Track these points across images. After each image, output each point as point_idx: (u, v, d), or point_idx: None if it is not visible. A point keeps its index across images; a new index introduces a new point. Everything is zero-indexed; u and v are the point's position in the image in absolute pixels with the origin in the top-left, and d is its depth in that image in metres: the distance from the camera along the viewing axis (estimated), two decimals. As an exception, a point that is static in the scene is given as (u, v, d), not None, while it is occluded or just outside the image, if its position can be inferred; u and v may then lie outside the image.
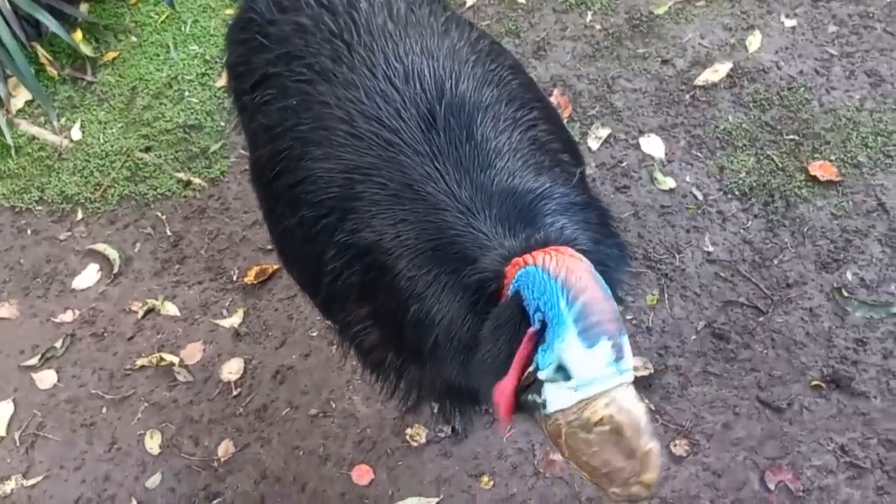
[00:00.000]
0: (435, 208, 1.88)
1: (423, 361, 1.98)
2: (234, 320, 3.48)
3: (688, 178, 3.53)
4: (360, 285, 2.02)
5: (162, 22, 4.38)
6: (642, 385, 3.10)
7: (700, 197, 3.48)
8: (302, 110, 2.10)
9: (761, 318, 3.17)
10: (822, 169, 3.44)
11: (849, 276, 3.21)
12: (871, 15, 3.82)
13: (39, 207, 3.92)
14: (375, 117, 1.99)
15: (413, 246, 1.87)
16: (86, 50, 4.29)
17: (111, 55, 4.30)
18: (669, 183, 3.52)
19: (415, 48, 2.09)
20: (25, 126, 4.15)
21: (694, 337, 3.18)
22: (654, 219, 3.45)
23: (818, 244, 3.29)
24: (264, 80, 2.27)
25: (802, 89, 3.66)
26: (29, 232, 3.86)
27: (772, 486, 2.88)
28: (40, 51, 4.27)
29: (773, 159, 3.50)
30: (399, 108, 1.98)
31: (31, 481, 3.25)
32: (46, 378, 3.46)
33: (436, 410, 2.24)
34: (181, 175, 3.87)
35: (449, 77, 2.03)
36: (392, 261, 1.90)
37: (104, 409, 3.37)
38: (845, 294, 3.16)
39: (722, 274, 3.29)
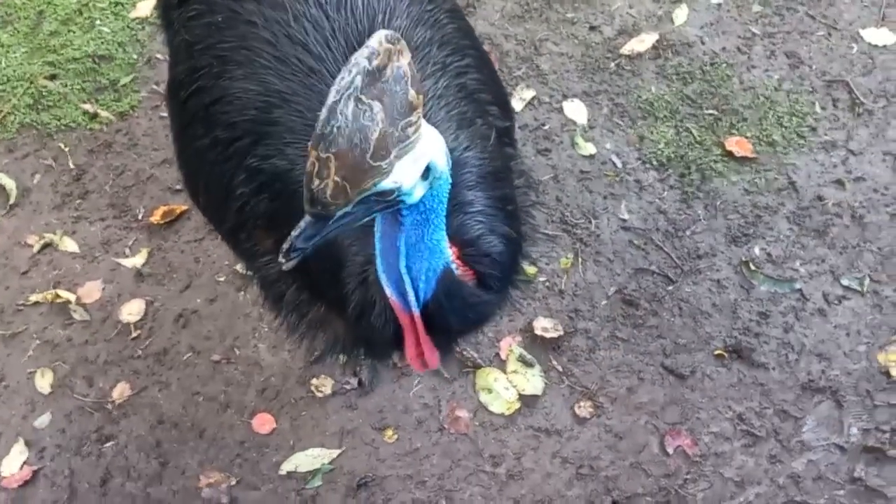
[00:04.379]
0: None
1: (322, 297, 1.95)
2: (137, 260, 3.34)
3: (608, 146, 3.54)
4: (268, 213, 1.96)
5: (75, -55, 4.15)
6: (551, 347, 3.11)
7: (619, 165, 3.49)
8: (226, 28, 2.01)
9: (670, 287, 3.21)
10: (738, 145, 3.49)
11: (756, 251, 3.27)
12: (794, -2, 3.88)
13: (-69, 130, 3.69)
14: (302, 42, 1.91)
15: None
16: (-10, -33, 4.04)
17: (17, -25, 4.06)
18: (590, 149, 3.53)
19: None
20: (-81, 43, 3.88)
21: (605, 302, 3.20)
22: (573, 183, 3.45)
23: (729, 218, 3.34)
24: None
25: (724, 66, 3.70)
26: (-82, 157, 3.63)
27: (670, 451, 2.93)
28: (-61, -36, 4.00)
29: (691, 132, 3.54)
30: (327, 37, 1.91)
31: None
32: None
33: (330, 351, 2.20)
34: (87, 107, 3.69)
35: (382, 11, 1.96)
36: (301, 191, 1.83)
37: (-8, 345, 3.21)
38: (752, 268, 3.23)
39: (635, 242, 3.31)
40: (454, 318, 1.83)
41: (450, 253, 1.77)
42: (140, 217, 3.44)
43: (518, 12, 3.92)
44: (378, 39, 1.37)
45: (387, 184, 1.47)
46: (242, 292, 3.26)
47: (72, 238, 3.40)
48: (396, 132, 1.42)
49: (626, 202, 3.40)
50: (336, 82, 1.37)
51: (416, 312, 1.79)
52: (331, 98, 1.36)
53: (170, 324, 3.22)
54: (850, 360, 3.06)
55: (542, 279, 3.24)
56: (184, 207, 3.43)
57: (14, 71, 3.79)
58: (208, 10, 2.08)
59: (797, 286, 3.20)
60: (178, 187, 3.48)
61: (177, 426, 3.03)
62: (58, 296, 3.27)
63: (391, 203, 1.54)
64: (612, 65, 3.74)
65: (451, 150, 1.75)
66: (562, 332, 3.14)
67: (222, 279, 3.29)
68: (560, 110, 3.63)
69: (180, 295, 3.27)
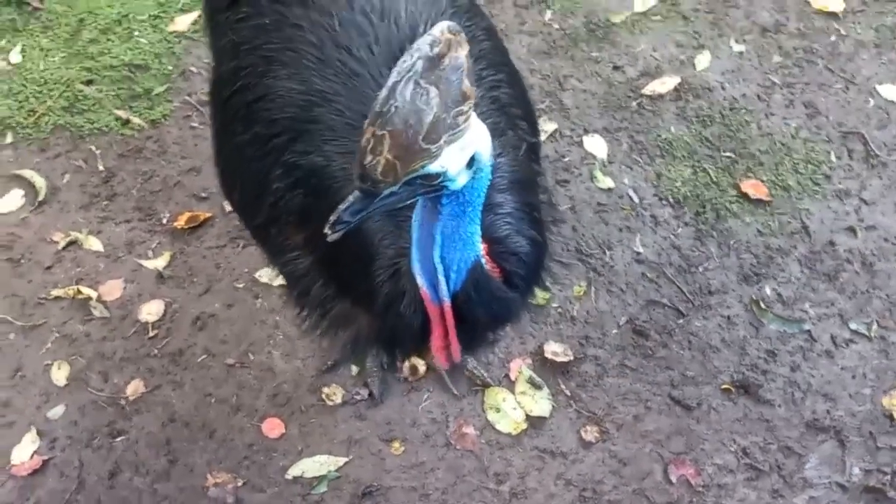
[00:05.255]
0: None
1: (349, 292, 2.01)
2: (159, 262, 3.41)
3: (626, 181, 3.61)
4: (302, 209, 2.03)
5: (119, -41, 4.29)
6: (560, 371, 3.16)
7: (636, 199, 3.56)
8: (274, 30, 2.10)
9: (681, 321, 3.26)
10: (753, 187, 3.57)
11: (767, 290, 3.33)
12: (814, 51, 3.98)
13: (-33, 126, 3.79)
14: (346, 46, 2.00)
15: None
16: (36, -25, 4.17)
17: (62, -16, 4.19)
18: (608, 182, 3.60)
19: None
20: (-38, 42, 4.00)
21: (615, 331, 3.25)
22: (590, 215, 3.52)
23: (742, 257, 3.40)
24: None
25: (743, 111, 3.79)
26: (-47, 150, 3.73)
27: (673, 479, 2.96)
28: (-13, -31, 4.14)
29: (708, 173, 3.62)
30: (370, 43, 2.00)
31: (-75, 400, 3.13)
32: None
33: (349, 351, 2.25)
34: (121, 113, 3.79)
35: (424, 22, 2.05)
36: (336, 187, 1.91)
37: (12, 335, 3.26)
38: (762, 306, 3.28)
39: (648, 274, 3.37)
40: (481, 309, 1.89)
41: (481, 247, 1.84)
42: (165, 221, 3.51)
43: (544, 48, 4.03)
44: (441, 29, 1.45)
45: (434, 167, 1.54)
46: (259, 299, 3.32)
47: (97, 237, 3.48)
48: (448, 119, 1.50)
49: (640, 236, 3.46)
50: (398, 65, 1.45)
51: (447, 302, 1.85)
52: (392, 79, 1.44)
53: (187, 326, 3.27)
54: (854, 401, 3.10)
55: (554, 305, 3.30)
56: (208, 214, 3.51)
57: (52, 74, 3.90)
58: (257, 13, 2.18)
59: (806, 327, 3.24)
60: (203, 195, 3.56)
61: (188, 425, 3.07)
62: (79, 292, 3.33)
63: (435, 188, 1.61)
64: (634, 104, 3.83)
65: None
66: (572, 358, 3.18)
67: (241, 286, 3.35)
68: (580, 144, 3.72)
69: (199, 298, 3.33)
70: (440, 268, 1.79)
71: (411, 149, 1.48)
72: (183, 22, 4.06)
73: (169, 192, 3.59)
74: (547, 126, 3.76)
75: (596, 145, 3.71)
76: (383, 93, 1.45)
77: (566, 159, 3.68)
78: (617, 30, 4.10)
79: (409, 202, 1.64)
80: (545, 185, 2.42)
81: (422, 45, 1.45)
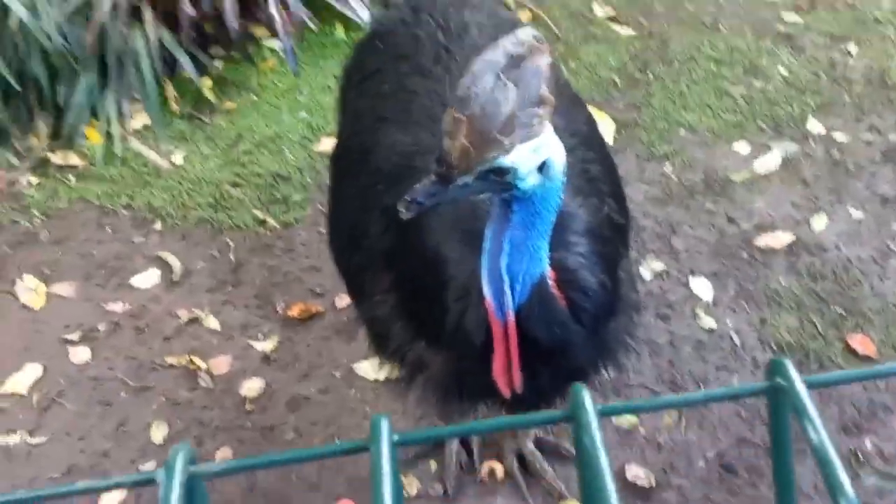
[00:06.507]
0: None
1: (425, 330, 2.11)
2: (268, 345, 3.61)
3: (729, 323, 3.61)
4: (389, 250, 2.17)
5: (282, 89, 4.80)
6: (640, 495, 3.08)
7: (737, 342, 3.54)
8: (391, 95, 2.34)
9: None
10: (861, 343, 3.49)
11: (867, 444, 3.19)
12: (936, 223, 3.95)
13: (125, 212, 4.21)
14: None
15: (449, 219, 2.03)
16: (209, 96, 4.71)
17: (230, 105, 4.71)
18: (710, 323, 3.61)
19: None
20: (136, 144, 4.51)
21: (702, 463, 3.17)
22: (688, 350, 3.52)
23: (844, 409, 3.29)
24: (371, 75, 2.54)
25: (857, 272, 3.76)
26: (109, 230, 4.14)
27: None
28: (170, 88, 4.70)
29: (815, 325, 3.57)
30: None
31: (35, 440, 3.35)
32: (80, 354, 3.62)
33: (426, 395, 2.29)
34: (258, 213, 4.14)
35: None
36: (426, 223, 2.06)
37: (123, 394, 3.49)
38: (860, 459, 3.14)
39: (743, 414, 3.30)
40: (542, 328, 1.94)
41: (548, 267, 1.92)
42: (279, 310, 3.74)
43: (661, 197, 4.17)
44: (526, 33, 1.63)
45: (506, 161, 1.66)
46: (354, 390, 3.44)
47: (216, 317, 3.73)
48: (524, 117, 1.63)
49: (738, 376, 3.42)
50: (482, 56, 1.61)
51: (511, 315, 1.91)
52: (475, 67, 1.60)
53: (282, 405, 3.41)
54: (959, 571, 2.87)
55: (641, 430, 3.26)
56: (320, 308, 3.72)
57: (206, 176, 4.33)
58: (379, 83, 2.44)
59: (908, 487, 3.07)
60: (318, 290, 3.79)
61: (266, 496, 3.15)
62: (191, 362, 3.55)
63: (506, 186, 1.72)
64: (745, 254, 3.87)
65: (564, 205, 1.94)
66: (653, 484, 3.11)
67: (338, 375, 3.49)
68: (686, 285, 3.76)
69: (297, 382, 3.49)
70: (506, 278, 1.88)
71: (486, 137, 1.61)
72: (327, 144, 4.45)
73: (288, 285, 3.84)
74: (654, 265, 3.83)
75: (702, 287, 3.75)
76: (466, 79, 1.61)
77: (670, 297, 3.72)
78: (735, 187, 4.21)
79: (481, 196, 1.76)
80: (629, 267, 2.49)
81: (506, 43, 1.61)
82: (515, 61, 1.61)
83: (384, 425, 0.67)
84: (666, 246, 3.93)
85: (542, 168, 1.74)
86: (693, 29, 5.11)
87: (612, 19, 5.20)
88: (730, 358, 3.49)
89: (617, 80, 4.80)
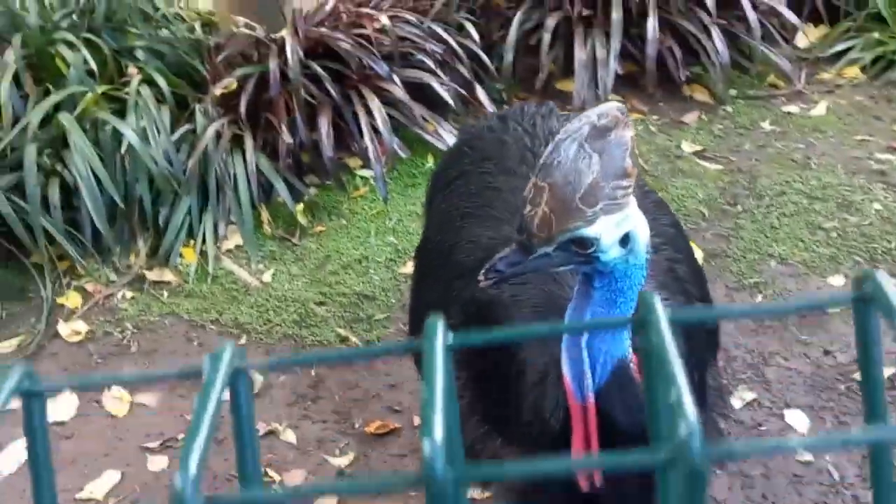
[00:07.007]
0: (556, 283, 2.03)
1: (500, 424, 2.03)
2: (343, 461, 3.55)
3: (827, 457, 3.40)
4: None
5: (371, 214, 4.91)
6: None
7: (836, 477, 3.32)
8: (476, 193, 2.37)
9: None
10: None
11: None
12: None
13: (213, 327, 4.29)
14: None
15: (529, 305, 2.00)
16: (301, 220, 4.85)
17: (319, 228, 4.83)
18: (807, 456, 3.40)
19: None
20: (228, 263, 4.65)
21: None
22: (783, 483, 3.31)
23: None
24: (457, 178, 2.58)
25: (967, 409, 3.53)
26: (196, 344, 4.21)
27: None
28: (264, 212, 4.87)
29: (923, 463, 3.33)
30: None
31: (106, 546, 3.32)
32: (159, 461, 3.62)
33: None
34: (341, 331, 4.16)
35: None
36: (506, 314, 2.03)
37: None
38: None
39: (845, 555, 3.06)
40: (622, 412, 1.85)
41: (630, 351, 1.85)
42: (357, 426, 3.70)
43: (752, 327, 4.04)
44: (611, 106, 1.63)
45: (588, 232, 1.63)
46: (426, 509, 3.32)
47: (294, 431, 3.70)
48: (607, 188, 1.61)
49: (839, 514, 3.19)
50: (567, 125, 1.62)
51: (591, 396, 1.83)
52: (559, 136, 1.61)
53: (354, 521, 3.32)
54: None
55: (733, 566, 3.04)
56: (397, 426, 3.66)
57: (292, 294, 4.40)
58: (465, 183, 2.48)
59: None
60: (397, 408, 3.74)
61: None
62: (266, 474, 3.50)
63: (588, 258, 1.68)
64: (843, 387, 3.69)
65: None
66: None
67: (413, 495, 3.39)
68: (781, 416, 3.59)
69: (371, 500, 3.39)
70: (586, 358, 1.81)
71: (568, 206, 1.59)
72: (412, 266, 4.50)
73: (367, 401, 3.81)
74: (745, 394, 3.68)
75: (797, 419, 3.57)
76: (550, 146, 1.61)
77: (763, 427, 3.54)
78: (831, 319, 4.06)
79: (561, 269, 1.72)
80: (718, 380, 2.38)
81: (590, 114, 1.62)
82: (600, 132, 1.61)
83: (440, 326, 0.64)
84: (758, 375, 3.78)
85: (625, 241, 1.71)
86: (782, 165, 5.08)
87: (700, 155, 5.22)
88: (829, 493, 3.26)
89: (705, 211, 4.77)
